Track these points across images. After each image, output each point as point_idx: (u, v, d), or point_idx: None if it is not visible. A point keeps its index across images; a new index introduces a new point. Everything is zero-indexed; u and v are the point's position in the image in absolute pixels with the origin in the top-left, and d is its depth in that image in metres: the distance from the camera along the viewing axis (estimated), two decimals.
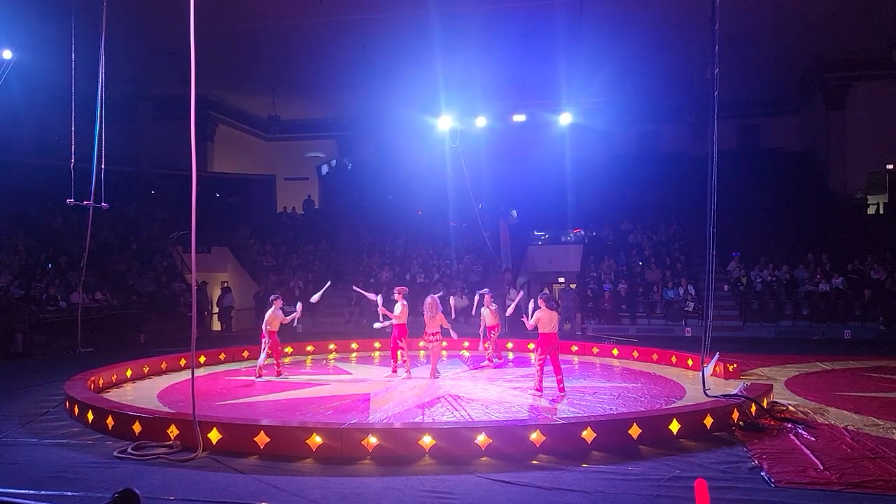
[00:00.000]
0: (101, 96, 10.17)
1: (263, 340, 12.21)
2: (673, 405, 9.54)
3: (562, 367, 10.77)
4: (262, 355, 12.21)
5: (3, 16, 15.20)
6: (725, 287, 21.00)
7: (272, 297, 12.54)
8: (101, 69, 10.19)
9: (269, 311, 12.18)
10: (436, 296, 12.33)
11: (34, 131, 23.37)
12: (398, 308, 12.19)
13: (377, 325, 13.06)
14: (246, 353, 14.88)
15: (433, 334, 11.98)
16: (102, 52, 10.19)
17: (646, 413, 8.80)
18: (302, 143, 34.62)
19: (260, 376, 12.10)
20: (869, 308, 19.23)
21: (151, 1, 18.65)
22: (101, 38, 10.15)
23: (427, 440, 7.27)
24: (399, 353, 12.29)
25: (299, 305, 13.08)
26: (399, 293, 12.36)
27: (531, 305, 10.80)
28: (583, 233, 25.16)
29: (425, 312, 12.03)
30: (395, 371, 12.33)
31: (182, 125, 11.86)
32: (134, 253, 23.44)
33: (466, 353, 15.10)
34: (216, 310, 24.21)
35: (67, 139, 10.68)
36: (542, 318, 10.25)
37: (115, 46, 11.23)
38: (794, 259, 21.62)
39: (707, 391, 9.37)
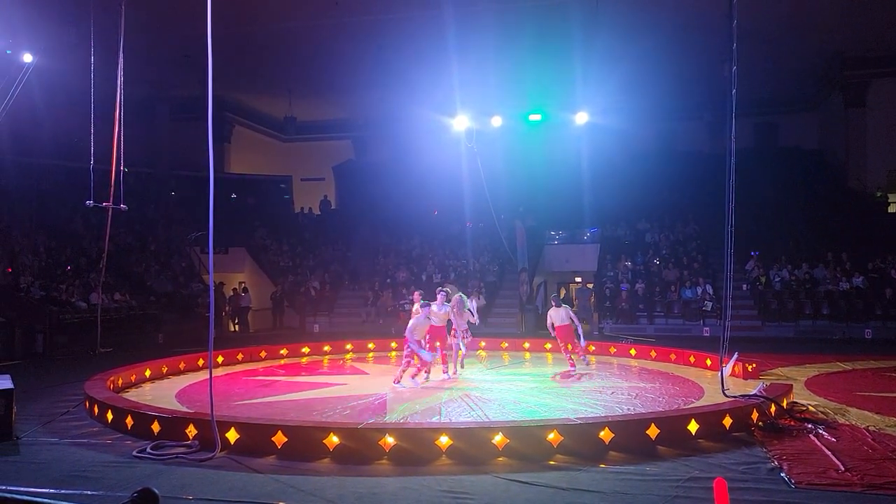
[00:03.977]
0: (120, 98, 10.28)
1: (406, 347, 11.34)
2: (691, 405, 9.48)
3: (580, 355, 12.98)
4: (405, 362, 11.40)
5: (23, 20, 15.38)
6: (744, 286, 20.83)
7: (412, 305, 12.25)
8: (120, 72, 10.30)
9: (412, 320, 11.52)
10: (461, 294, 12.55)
11: (54, 134, 23.59)
12: (442, 312, 11.95)
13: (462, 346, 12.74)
14: (263, 354, 14.96)
15: (463, 331, 12.31)
16: (121, 54, 10.31)
17: (664, 413, 8.74)
18: (318, 143, 34.76)
19: (398, 381, 11.31)
20: (890, 307, 18.99)
21: (169, 4, 18.82)
22: (120, 41, 10.25)
23: (444, 440, 7.25)
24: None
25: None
26: (441, 297, 12.03)
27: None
28: (599, 232, 25.07)
29: (452, 310, 12.13)
30: (445, 371, 12.07)
31: (199, 127, 11.94)
32: (152, 254, 23.64)
33: (483, 354, 15.10)
34: (227, 308, 24.30)
35: (86, 141, 10.79)
36: (552, 315, 12.71)
37: (133, 49, 11.36)
38: (814, 258, 21.37)
39: (726, 391, 9.29)
